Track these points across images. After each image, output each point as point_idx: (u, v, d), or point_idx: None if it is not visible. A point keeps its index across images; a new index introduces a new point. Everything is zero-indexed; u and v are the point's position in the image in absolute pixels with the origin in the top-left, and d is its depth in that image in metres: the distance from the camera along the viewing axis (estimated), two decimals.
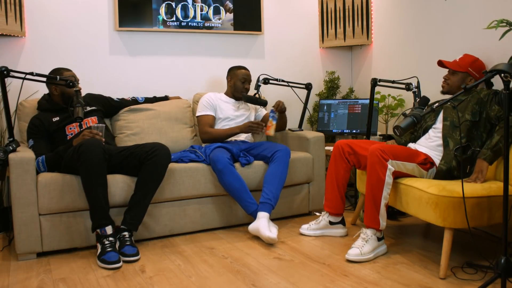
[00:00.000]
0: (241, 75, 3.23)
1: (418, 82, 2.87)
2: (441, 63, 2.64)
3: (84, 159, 2.33)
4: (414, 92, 2.84)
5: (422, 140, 2.62)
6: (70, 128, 2.73)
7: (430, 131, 2.60)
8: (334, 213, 2.71)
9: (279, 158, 2.85)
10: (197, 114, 3.22)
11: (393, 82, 3.00)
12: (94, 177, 2.35)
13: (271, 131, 3.04)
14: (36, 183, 2.40)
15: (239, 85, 3.23)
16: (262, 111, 3.40)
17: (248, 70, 3.29)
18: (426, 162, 2.43)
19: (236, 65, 3.35)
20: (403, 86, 2.94)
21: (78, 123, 2.75)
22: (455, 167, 2.40)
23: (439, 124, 2.56)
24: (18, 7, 2.98)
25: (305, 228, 2.78)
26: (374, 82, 3.09)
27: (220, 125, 3.20)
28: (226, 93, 3.32)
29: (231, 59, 3.74)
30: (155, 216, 2.70)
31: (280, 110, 3.15)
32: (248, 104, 3.32)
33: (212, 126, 3.17)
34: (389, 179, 2.32)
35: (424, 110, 2.31)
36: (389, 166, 2.31)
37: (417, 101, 2.79)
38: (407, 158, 2.38)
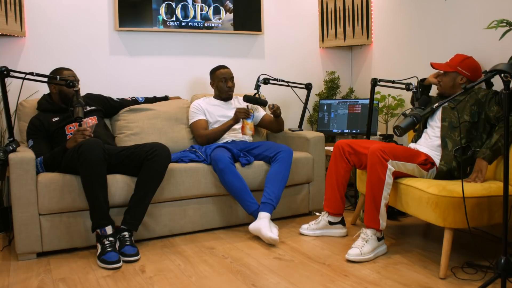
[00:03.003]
0: (220, 76, 3.23)
1: (418, 82, 2.87)
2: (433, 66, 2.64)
3: (84, 159, 2.33)
4: (414, 92, 2.84)
5: (422, 140, 2.62)
6: (70, 128, 2.73)
7: (430, 131, 2.60)
8: (334, 213, 2.71)
9: (282, 158, 2.85)
10: (190, 122, 3.23)
11: (393, 82, 2.99)
12: (93, 177, 2.35)
13: (246, 130, 3.02)
14: (36, 183, 2.40)
15: (221, 85, 3.23)
16: (261, 112, 3.40)
17: (226, 68, 3.26)
18: (426, 162, 2.43)
19: (215, 66, 3.31)
20: (403, 86, 2.94)
21: (78, 123, 2.75)
22: (455, 167, 2.40)
23: (438, 123, 2.56)
24: (18, 7, 2.98)
25: (305, 228, 2.78)
26: (374, 82, 3.09)
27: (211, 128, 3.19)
28: (215, 96, 3.33)
29: (231, 59, 3.74)
30: (155, 216, 2.70)
31: (274, 114, 3.14)
32: (242, 103, 3.32)
33: (206, 129, 3.18)
34: (389, 179, 2.32)
35: (425, 110, 2.31)
36: (389, 166, 2.32)
37: (417, 101, 2.78)
38: (408, 159, 2.38)
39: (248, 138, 3.20)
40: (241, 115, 3.02)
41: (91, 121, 2.80)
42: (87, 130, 2.48)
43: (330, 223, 2.73)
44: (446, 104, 2.52)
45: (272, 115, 3.24)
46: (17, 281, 2.15)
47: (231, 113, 3.23)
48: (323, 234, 2.75)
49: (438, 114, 2.58)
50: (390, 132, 3.65)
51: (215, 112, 3.22)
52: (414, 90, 2.79)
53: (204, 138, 3.10)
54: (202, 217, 2.83)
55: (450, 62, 2.59)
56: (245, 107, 3.07)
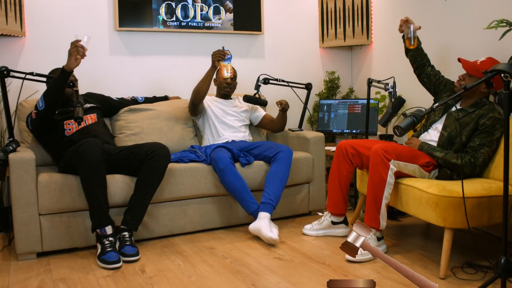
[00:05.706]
0: None
1: (394, 83, 2.89)
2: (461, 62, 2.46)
3: (83, 160, 2.33)
4: (390, 93, 2.85)
5: (422, 138, 2.60)
6: (69, 124, 2.72)
7: (431, 131, 2.58)
8: (337, 213, 2.71)
9: (281, 158, 2.85)
10: None
11: (378, 82, 3.01)
12: (93, 177, 2.35)
13: (223, 73, 2.88)
14: (36, 183, 2.40)
15: (221, 81, 3.24)
16: (261, 112, 3.40)
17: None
18: (429, 164, 2.41)
19: None
20: (383, 86, 2.96)
21: (78, 123, 2.75)
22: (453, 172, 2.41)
23: (439, 128, 2.53)
24: (18, 7, 2.98)
25: (308, 229, 2.78)
26: (369, 82, 3.11)
27: (212, 126, 3.19)
28: (216, 95, 3.34)
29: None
30: (155, 216, 2.70)
31: (283, 109, 3.16)
32: (242, 103, 3.32)
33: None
34: (390, 179, 2.32)
35: (425, 110, 2.31)
36: (391, 166, 2.31)
37: (392, 101, 2.80)
38: (410, 159, 2.38)
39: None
40: (216, 57, 2.90)
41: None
42: (79, 41, 2.40)
43: (333, 223, 2.73)
44: (454, 109, 2.47)
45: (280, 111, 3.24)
46: (17, 281, 2.15)
47: (231, 111, 3.24)
48: (326, 234, 2.75)
49: (443, 119, 2.54)
50: (390, 132, 3.65)
51: (216, 109, 3.22)
52: (390, 90, 2.82)
53: (191, 97, 3.05)
54: (202, 217, 2.83)
55: (481, 66, 2.36)
56: (225, 53, 2.91)
